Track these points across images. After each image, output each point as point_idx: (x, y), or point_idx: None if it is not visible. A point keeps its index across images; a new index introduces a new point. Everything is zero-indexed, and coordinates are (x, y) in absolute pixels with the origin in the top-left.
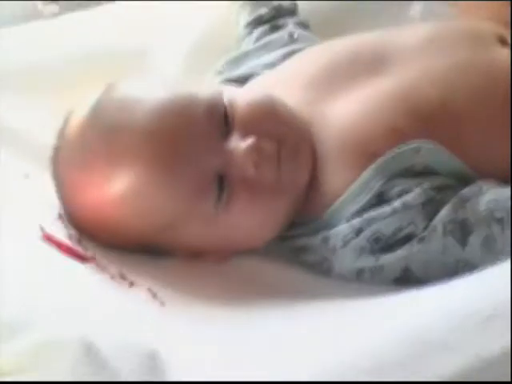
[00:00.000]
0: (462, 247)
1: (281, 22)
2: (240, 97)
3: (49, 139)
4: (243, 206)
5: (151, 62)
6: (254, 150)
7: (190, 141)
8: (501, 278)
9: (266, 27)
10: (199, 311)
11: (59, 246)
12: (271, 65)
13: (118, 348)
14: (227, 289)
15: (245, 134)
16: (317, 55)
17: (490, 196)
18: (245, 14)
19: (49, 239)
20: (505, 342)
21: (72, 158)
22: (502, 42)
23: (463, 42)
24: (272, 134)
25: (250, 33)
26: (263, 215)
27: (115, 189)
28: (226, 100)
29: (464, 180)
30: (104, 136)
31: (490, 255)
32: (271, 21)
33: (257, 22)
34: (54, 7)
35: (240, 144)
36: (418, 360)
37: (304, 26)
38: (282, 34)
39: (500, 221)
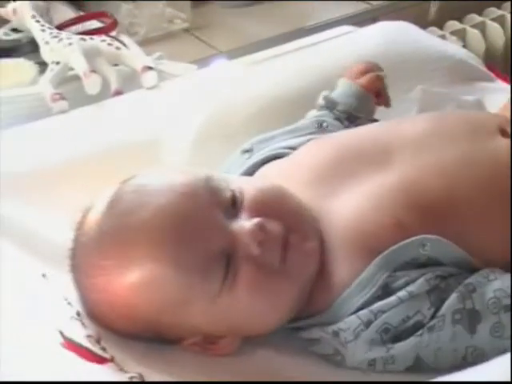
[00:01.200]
0: (470, 335)
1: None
2: (249, 183)
3: (64, 238)
4: (248, 286)
5: (161, 152)
6: (259, 228)
7: (196, 222)
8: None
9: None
10: None
11: (78, 351)
12: (294, 148)
13: None
14: (242, 379)
15: (251, 216)
16: (322, 149)
17: (496, 285)
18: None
19: (68, 345)
20: None
21: (88, 246)
22: (503, 132)
23: (464, 133)
24: (279, 219)
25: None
26: (268, 297)
27: (126, 271)
28: (234, 185)
29: (468, 269)
30: (116, 223)
31: (499, 341)
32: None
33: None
34: (63, 104)
35: (246, 223)
36: None
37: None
38: (311, 121)
39: (508, 308)
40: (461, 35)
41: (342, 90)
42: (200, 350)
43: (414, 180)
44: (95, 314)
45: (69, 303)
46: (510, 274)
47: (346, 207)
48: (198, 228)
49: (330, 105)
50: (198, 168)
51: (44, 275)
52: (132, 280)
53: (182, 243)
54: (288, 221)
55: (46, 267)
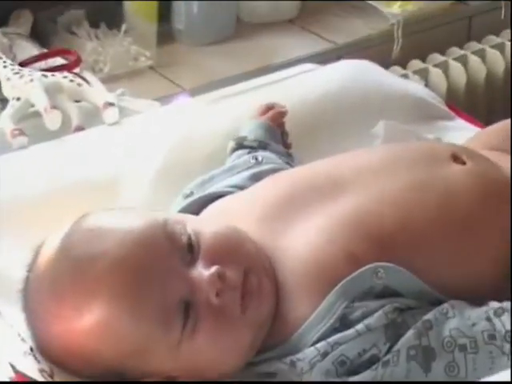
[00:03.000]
0: (425, 373)
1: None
2: (204, 227)
3: (18, 274)
4: (208, 334)
5: (120, 189)
6: (218, 277)
7: (155, 271)
8: None
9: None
10: None
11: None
12: (236, 186)
13: None
14: None
15: (209, 263)
16: (276, 184)
17: (453, 323)
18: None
19: (20, 379)
20: None
21: (42, 290)
22: (455, 159)
23: (417, 162)
24: (236, 264)
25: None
26: (228, 343)
27: (84, 320)
28: (190, 229)
29: (427, 300)
30: (72, 268)
31: (452, 380)
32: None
33: (237, 147)
34: (23, 139)
35: (204, 272)
36: None
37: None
38: (246, 158)
39: (463, 347)
40: (423, 74)
41: (248, 127)
42: None
43: (365, 210)
44: (50, 356)
45: (22, 339)
46: (472, 308)
47: (300, 242)
48: (157, 278)
49: (240, 141)
50: (153, 208)
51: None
52: (90, 329)
53: (140, 294)
54: (244, 265)
55: (1, 304)
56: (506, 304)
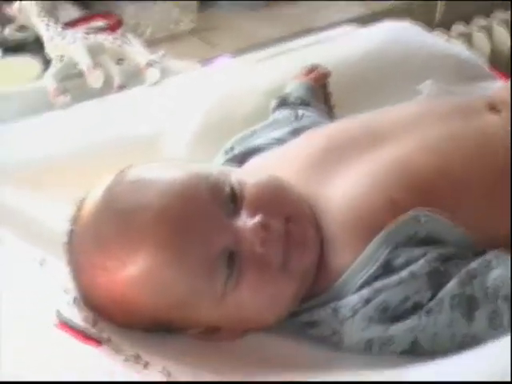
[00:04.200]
0: (468, 322)
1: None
2: (247, 177)
3: (63, 226)
4: (252, 284)
5: (161, 147)
6: (262, 227)
7: (198, 221)
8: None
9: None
10: None
11: (74, 332)
12: (279, 140)
13: None
14: (239, 365)
15: (253, 213)
16: (315, 137)
17: (497, 273)
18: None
19: (64, 327)
20: None
21: (86, 242)
22: (491, 109)
23: (454, 113)
24: (280, 214)
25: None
26: (272, 294)
27: (128, 271)
28: (233, 180)
29: (468, 249)
30: (115, 220)
31: (496, 331)
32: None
33: (280, 105)
34: (65, 98)
35: (248, 221)
36: None
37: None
38: (287, 114)
39: (506, 298)
40: (467, 38)
41: (291, 86)
42: (203, 338)
43: (405, 158)
44: (95, 307)
45: (65, 290)
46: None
47: (341, 191)
48: (200, 228)
49: (282, 99)
50: (196, 162)
51: (42, 263)
52: (134, 280)
53: (183, 244)
54: (288, 214)
55: (46, 255)
56: None
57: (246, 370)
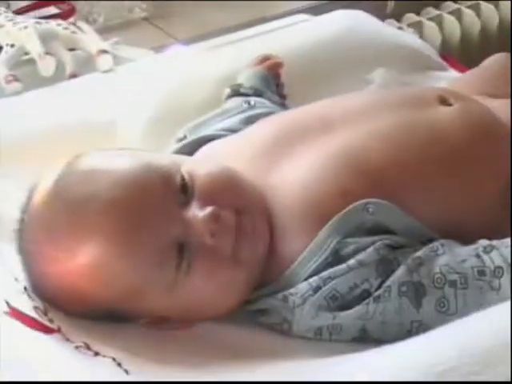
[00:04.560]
0: (416, 309)
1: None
2: (198, 167)
3: (13, 213)
4: (202, 275)
5: (114, 135)
6: (212, 218)
7: (148, 212)
8: (451, 337)
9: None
10: (163, 378)
11: (24, 319)
12: (230, 129)
13: None
14: (191, 355)
15: (204, 204)
16: (266, 126)
17: (444, 260)
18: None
19: (14, 314)
20: None
21: (36, 232)
22: (442, 101)
23: (405, 103)
24: (230, 205)
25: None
26: (222, 284)
27: (78, 261)
28: (184, 170)
29: (417, 238)
30: (66, 210)
31: (443, 317)
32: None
33: (233, 94)
34: (16, 85)
35: (198, 213)
36: None
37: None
38: (239, 102)
39: (452, 283)
40: (418, 27)
41: (244, 75)
42: (154, 327)
43: (354, 146)
44: (45, 296)
45: (16, 279)
46: (461, 246)
47: (292, 180)
48: (151, 219)
49: (236, 88)
50: (149, 151)
51: None
52: (84, 270)
53: (134, 235)
54: (239, 205)
55: None
56: (496, 242)
57: (198, 359)
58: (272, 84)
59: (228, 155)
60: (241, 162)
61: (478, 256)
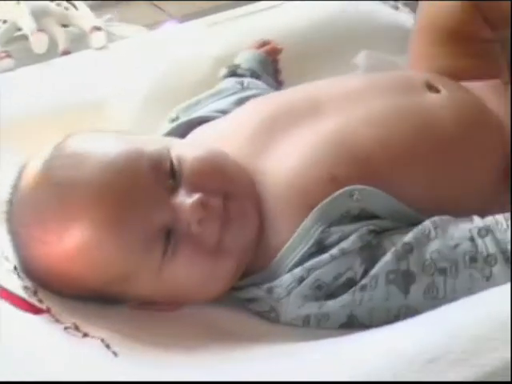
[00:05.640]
0: (404, 294)
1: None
2: (188, 152)
3: (3, 194)
4: (187, 261)
5: (106, 114)
6: (200, 206)
7: (137, 197)
8: (440, 323)
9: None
10: (152, 359)
11: (12, 299)
12: (221, 111)
13: None
14: (179, 336)
15: (192, 190)
16: (257, 108)
17: (434, 246)
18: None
19: (3, 293)
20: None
21: (25, 214)
22: (430, 87)
23: (393, 89)
24: (218, 191)
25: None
26: (208, 271)
27: (66, 244)
28: (173, 155)
29: (405, 221)
30: (54, 193)
31: (431, 302)
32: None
33: (230, 75)
34: (9, 61)
35: (186, 200)
36: None
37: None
38: (233, 83)
39: (442, 271)
40: (413, 7)
41: (243, 56)
42: (142, 309)
43: (344, 131)
44: (34, 277)
45: (6, 257)
46: (456, 224)
47: (280, 165)
48: (138, 204)
49: (233, 68)
50: (140, 133)
51: None
52: (71, 254)
53: (122, 221)
54: (227, 191)
55: None
56: (491, 223)
57: (188, 341)
58: (270, 68)
59: (219, 138)
60: (231, 144)
61: (471, 239)
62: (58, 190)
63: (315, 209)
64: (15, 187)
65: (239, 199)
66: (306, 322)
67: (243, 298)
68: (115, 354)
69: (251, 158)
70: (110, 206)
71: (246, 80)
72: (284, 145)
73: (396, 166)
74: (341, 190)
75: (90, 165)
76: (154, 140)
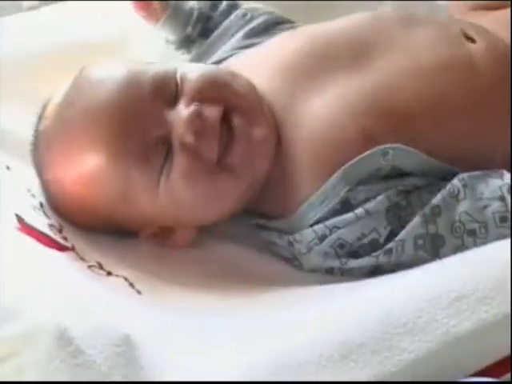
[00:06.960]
0: (432, 257)
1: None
2: (193, 69)
3: (28, 134)
4: (183, 177)
5: (130, 53)
6: (195, 116)
7: (134, 111)
8: (465, 263)
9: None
10: (174, 299)
11: (36, 236)
12: (238, 48)
13: (92, 335)
14: (202, 276)
15: (189, 102)
16: (292, 41)
17: (464, 206)
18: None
19: (26, 231)
20: (473, 321)
21: (49, 142)
22: (467, 38)
23: (440, 39)
24: (218, 102)
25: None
26: (208, 189)
27: (78, 164)
28: (178, 73)
29: (438, 175)
30: (62, 119)
31: None
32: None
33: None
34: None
35: (183, 111)
36: (381, 343)
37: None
38: (233, 19)
39: (472, 232)
40: None
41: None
42: (157, 241)
43: (386, 84)
44: (56, 207)
45: (32, 195)
46: (485, 180)
47: (315, 111)
48: (136, 119)
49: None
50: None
51: (8, 167)
52: (78, 172)
53: (121, 138)
54: (230, 103)
55: (11, 160)
56: None
57: (210, 279)
58: None
59: (253, 66)
60: (260, 77)
61: (501, 199)
62: (77, 116)
63: (344, 166)
64: (40, 117)
65: (245, 115)
66: (329, 272)
67: (267, 240)
68: (139, 292)
69: (283, 95)
70: (109, 124)
71: (249, 13)
72: (320, 90)
73: (435, 121)
74: (374, 149)
75: (98, 90)
76: (165, 64)
